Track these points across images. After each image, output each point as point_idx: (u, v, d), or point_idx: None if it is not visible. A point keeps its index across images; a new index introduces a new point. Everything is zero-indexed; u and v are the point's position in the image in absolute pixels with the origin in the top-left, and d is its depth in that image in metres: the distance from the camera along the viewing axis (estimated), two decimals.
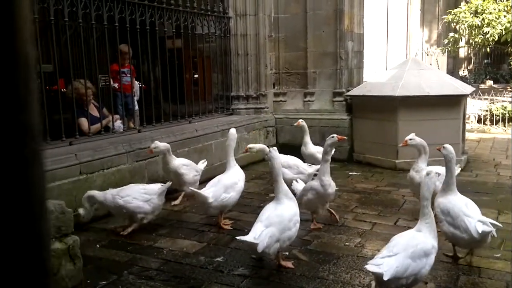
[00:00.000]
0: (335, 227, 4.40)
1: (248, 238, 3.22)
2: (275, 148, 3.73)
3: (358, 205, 5.12)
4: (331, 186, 4.21)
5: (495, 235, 3.36)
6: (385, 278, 2.64)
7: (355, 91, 7.36)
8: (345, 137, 4.12)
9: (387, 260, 2.76)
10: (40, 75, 5.46)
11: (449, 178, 3.62)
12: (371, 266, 2.76)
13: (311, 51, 7.69)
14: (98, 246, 4.04)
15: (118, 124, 6.01)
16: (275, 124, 7.96)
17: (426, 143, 4.64)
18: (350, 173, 6.56)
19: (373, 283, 3.05)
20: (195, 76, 8.15)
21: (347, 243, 4.01)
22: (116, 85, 6.37)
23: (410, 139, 4.63)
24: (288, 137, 7.88)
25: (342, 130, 7.45)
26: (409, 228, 4.36)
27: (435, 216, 3.41)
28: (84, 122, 5.48)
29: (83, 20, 5.14)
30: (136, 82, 7.24)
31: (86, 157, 4.61)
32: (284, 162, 5.06)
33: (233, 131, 4.74)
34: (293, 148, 7.64)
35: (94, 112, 5.83)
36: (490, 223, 3.32)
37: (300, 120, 6.43)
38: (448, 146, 3.80)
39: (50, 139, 4.77)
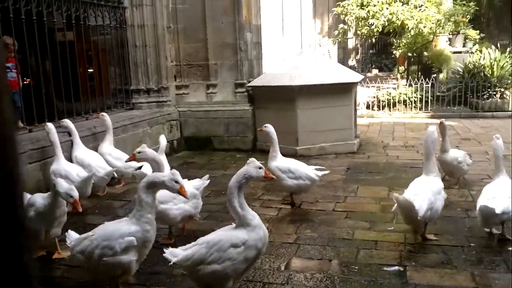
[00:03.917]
0: None
1: None
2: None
3: (264, 192, 5.30)
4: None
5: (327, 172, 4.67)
6: (497, 211, 3.35)
7: (256, 82, 7.53)
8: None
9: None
10: None
11: (275, 149, 4.68)
12: (489, 202, 3.45)
13: (211, 42, 7.68)
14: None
15: None
16: (178, 118, 7.84)
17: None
18: None
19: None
20: (90, 70, 7.74)
21: None
22: None
23: (139, 152, 3.70)
24: (192, 130, 7.83)
25: (246, 120, 7.60)
26: (311, 210, 4.65)
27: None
28: None
29: None
30: None
31: None
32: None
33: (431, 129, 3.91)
34: (199, 141, 7.68)
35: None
36: (317, 169, 4.67)
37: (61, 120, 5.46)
38: (269, 125, 4.75)
39: None
